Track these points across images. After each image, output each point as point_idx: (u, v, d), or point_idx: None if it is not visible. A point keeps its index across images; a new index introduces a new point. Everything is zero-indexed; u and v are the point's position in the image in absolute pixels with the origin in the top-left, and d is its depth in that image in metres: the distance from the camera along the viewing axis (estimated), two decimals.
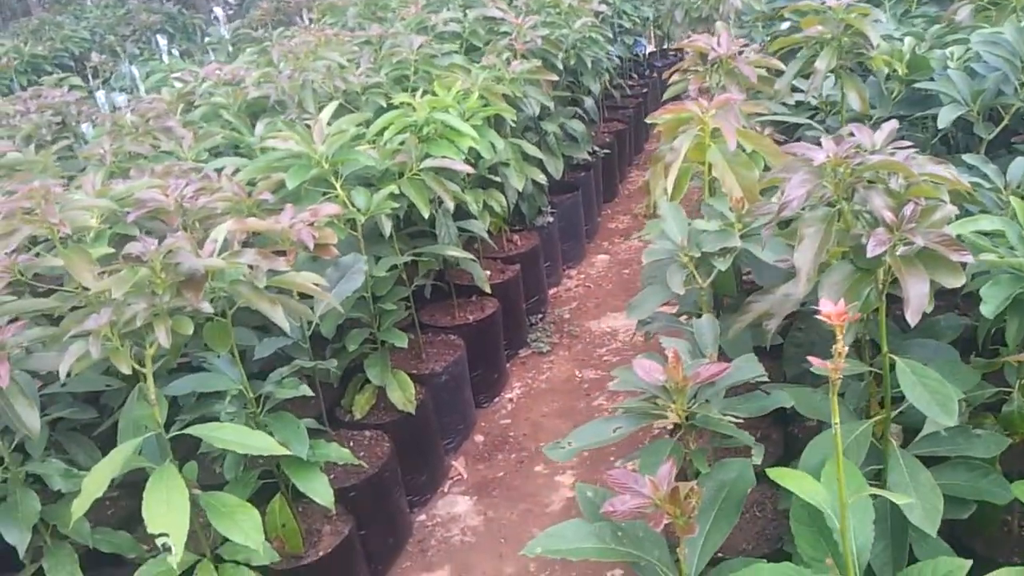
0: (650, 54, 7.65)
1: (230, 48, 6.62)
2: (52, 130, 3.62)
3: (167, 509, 1.67)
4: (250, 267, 1.83)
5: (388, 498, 2.56)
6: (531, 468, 3.01)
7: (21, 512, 1.81)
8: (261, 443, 1.84)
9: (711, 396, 1.50)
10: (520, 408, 3.39)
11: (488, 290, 3.23)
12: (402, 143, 2.83)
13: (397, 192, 2.65)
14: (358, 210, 2.56)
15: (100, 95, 4.41)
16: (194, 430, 1.81)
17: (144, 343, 1.72)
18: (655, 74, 7.40)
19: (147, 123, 3.05)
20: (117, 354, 1.63)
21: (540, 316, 4.02)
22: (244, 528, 1.78)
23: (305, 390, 2.07)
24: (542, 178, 3.77)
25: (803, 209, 1.36)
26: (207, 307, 1.71)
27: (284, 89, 3.25)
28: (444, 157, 2.81)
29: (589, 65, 4.47)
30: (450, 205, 2.77)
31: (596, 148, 5.05)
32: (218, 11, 7.64)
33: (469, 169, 2.85)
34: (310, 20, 7.10)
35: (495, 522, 2.76)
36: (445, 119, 2.95)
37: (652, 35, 7.05)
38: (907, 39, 2.38)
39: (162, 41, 6.75)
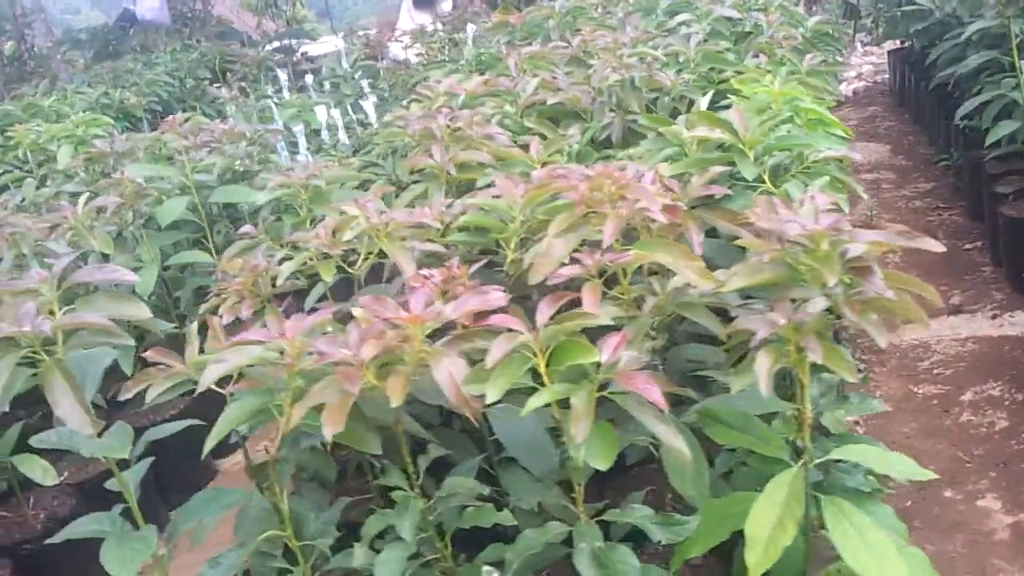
0: None
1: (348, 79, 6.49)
2: (254, 160, 3.44)
3: (868, 552, 1.33)
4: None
5: None
6: (938, 494, 2.65)
7: None
8: (903, 466, 1.52)
9: None
10: (873, 430, 3.03)
11: None
12: (788, 132, 2.54)
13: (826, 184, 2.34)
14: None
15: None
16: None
17: None
18: None
19: (472, 129, 2.78)
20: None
21: None
22: None
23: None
24: None
25: None
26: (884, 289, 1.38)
27: (602, 90, 2.98)
28: (828, 149, 2.52)
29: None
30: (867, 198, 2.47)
31: None
32: (339, 41, 7.51)
33: (860, 158, 2.55)
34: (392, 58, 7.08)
35: (941, 556, 2.39)
36: (809, 107, 2.66)
37: None
38: None
39: (283, 76, 6.59)
